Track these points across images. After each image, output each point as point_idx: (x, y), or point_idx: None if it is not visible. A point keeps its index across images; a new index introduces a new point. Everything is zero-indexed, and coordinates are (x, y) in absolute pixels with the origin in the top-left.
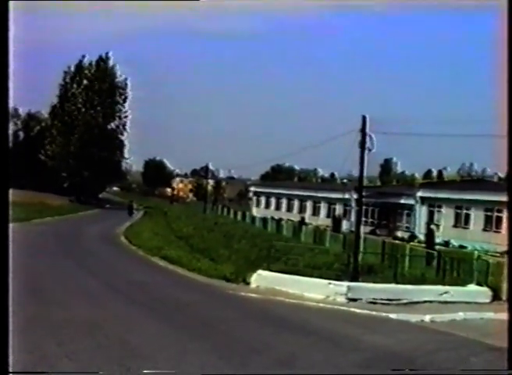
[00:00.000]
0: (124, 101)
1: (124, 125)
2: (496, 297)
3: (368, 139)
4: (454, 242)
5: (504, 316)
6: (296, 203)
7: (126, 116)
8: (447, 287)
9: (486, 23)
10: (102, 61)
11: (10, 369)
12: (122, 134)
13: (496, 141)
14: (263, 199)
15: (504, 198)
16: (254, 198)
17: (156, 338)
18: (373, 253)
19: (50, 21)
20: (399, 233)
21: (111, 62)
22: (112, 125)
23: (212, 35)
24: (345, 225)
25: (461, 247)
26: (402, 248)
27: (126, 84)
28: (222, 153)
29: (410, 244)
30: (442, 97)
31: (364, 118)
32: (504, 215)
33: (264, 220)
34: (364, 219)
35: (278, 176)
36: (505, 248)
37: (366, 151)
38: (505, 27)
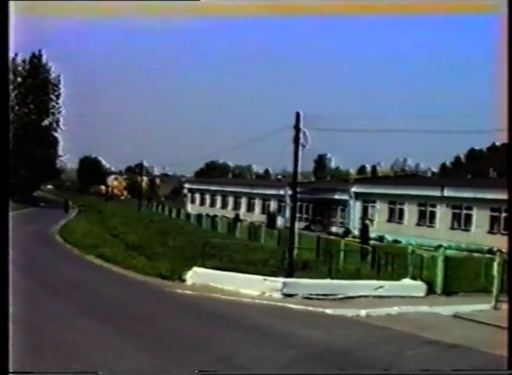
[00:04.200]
0: (58, 97)
1: (58, 122)
2: (430, 291)
3: (301, 135)
4: (388, 237)
5: (439, 309)
6: (230, 200)
7: (59, 112)
8: (382, 282)
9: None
10: (35, 58)
11: (10, 369)
12: (56, 131)
13: (430, 136)
14: (198, 196)
15: (437, 193)
16: (189, 195)
17: (92, 337)
18: (308, 249)
19: None
20: (333, 229)
21: (44, 59)
22: (46, 122)
23: (149, 30)
24: (280, 221)
25: (395, 241)
26: (337, 243)
27: (59, 81)
28: (156, 150)
29: (344, 240)
30: (376, 93)
31: (297, 114)
32: (437, 209)
33: (199, 217)
34: (298, 215)
35: (212, 172)
36: (438, 242)
37: (300, 147)
38: (504, 28)
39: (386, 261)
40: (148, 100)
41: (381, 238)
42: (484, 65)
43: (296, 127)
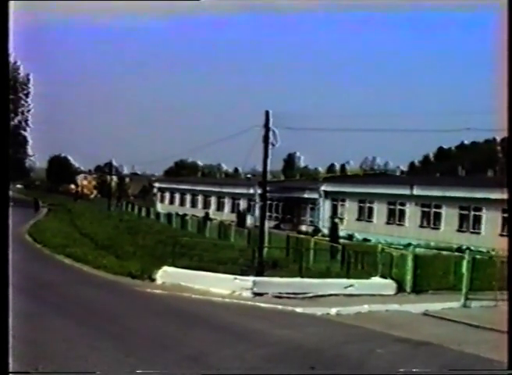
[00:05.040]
0: (26, 96)
1: (27, 120)
2: (400, 289)
3: (271, 134)
4: (358, 236)
5: (408, 307)
6: (200, 198)
7: (28, 111)
8: (352, 281)
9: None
10: None
11: (10, 369)
12: (25, 130)
13: (399, 134)
14: (167, 195)
15: (407, 191)
16: (159, 194)
17: (63, 336)
18: (278, 247)
19: None
20: (303, 228)
21: (12, 58)
22: (15, 121)
23: (117, 29)
24: (249, 220)
25: (365, 240)
26: (306, 242)
27: (28, 80)
28: (125, 149)
29: (314, 238)
30: (346, 92)
31: (267, 113)
32: (407, 208)
33: (168, 216)
34: (268, 213)
35: (181, 171)
36: (408, 240)
37: (270, 146)
38: (505, 27)
39: (356, 259)
40: (118, 98)
41: (350, 237)
42: (468, 62)
43: (266, 126)
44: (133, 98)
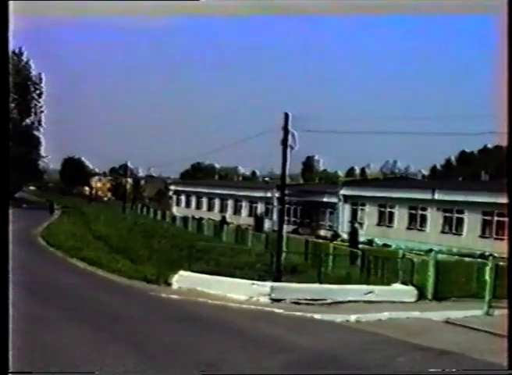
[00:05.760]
0: (39, 96)
1: (40, 121)
2: (421, 296)
3: (290, 137)
4: (378, 241)
5: (430, 314)
6: (217, 202)
7: (41, 112)
8: (372, 287)
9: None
10: (15, 55)
11: (10, 369)
12: (38, 130)
13: (421, 138)
14: (183, 198)
15: (428, 196)
16: (174, 197)
17: (77, 341)
18: (296, 252)
19: None
20: (322, 232)
21: (24, 57)
22: (28, 121)
23: (135, 28)
24: (267, 224)
25: (385, 245)
26: (325, 247)
27: (40, 79)
28: (141, 151)
29: (333, 243)
30: (367, 94)
31: (286, 115)
32: (428, 213)
33: (184, 220)
34: (286, 217)
35: (198, 174)
36: (429, 246)
37: (288, 149)
38: (505, 27)
39: (376, 265)
40: (134, 100)
41: (370, 242)
42: (480, 65)
43: (285, 129)
44: (150, 99)
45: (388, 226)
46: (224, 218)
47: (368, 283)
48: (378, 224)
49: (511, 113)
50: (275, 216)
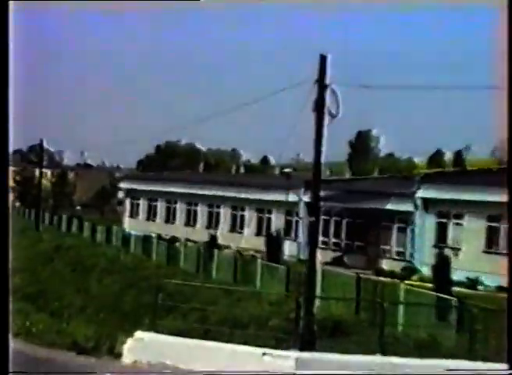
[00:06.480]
0: None
1: None
2: None
3: (328, 96)
4: (487, 280)
5: None
6: (201, 210)
7: None
8: (479, 364)
9: None
10: None
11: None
12: None
13: None
14: (143, 203)
15: None
16: (128, 202)
17: None
18: (340, 299)
19: None
20: (385, 264)
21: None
22: None
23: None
24: (288, 249)
25: (501, 288)
26: (392, 289)
27: None
28: (69, 124)
29: (406, 284)
30: None
31: (323, 58)
32: None
33: (145, 241)
34: (322, 238)
35: (168, 162)
36: None
37: (326, 118)
38: (504, 27)
39: (485, 325)
40: None
41: (474, 283)
42: None
43: (320, 82)
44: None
45: (503, 255)
46: (214, 238)
47: (470, 356)
48: (487, 251)
49: (511, 114)
50: (301, 236)
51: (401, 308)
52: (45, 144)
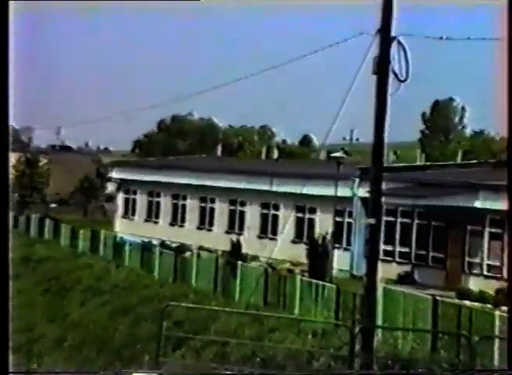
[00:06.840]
0: None
1: None
2: None
3: (395, 52)
4: None
5: None
6: (219, 208)
7: None
8: None
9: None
10: None
11: (10, 369)
12: None
13: None
14: (141, 199)
15: None
16: (121, 197)
17: None
18: (410, 330)
19: None
20: (472, 283)
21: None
22: None
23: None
24: (338, 261)
25: None
26: (483, 318)
27: None
28: (39, 92)
29: (504, 311)
30: None
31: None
32: None
33: (144, 250)
34: (384, 247)
35: (175, 143)
36: None
37: (390, 84)
38: (504, 27)
39: None
40: None
41: None
42: None
43: (384, 32)
44: None
45: None
46: (237, 246)
47: None
48: None
49: (511, 114)
50: (356, 243)
51: (496, 344)
52: (12, 123)
